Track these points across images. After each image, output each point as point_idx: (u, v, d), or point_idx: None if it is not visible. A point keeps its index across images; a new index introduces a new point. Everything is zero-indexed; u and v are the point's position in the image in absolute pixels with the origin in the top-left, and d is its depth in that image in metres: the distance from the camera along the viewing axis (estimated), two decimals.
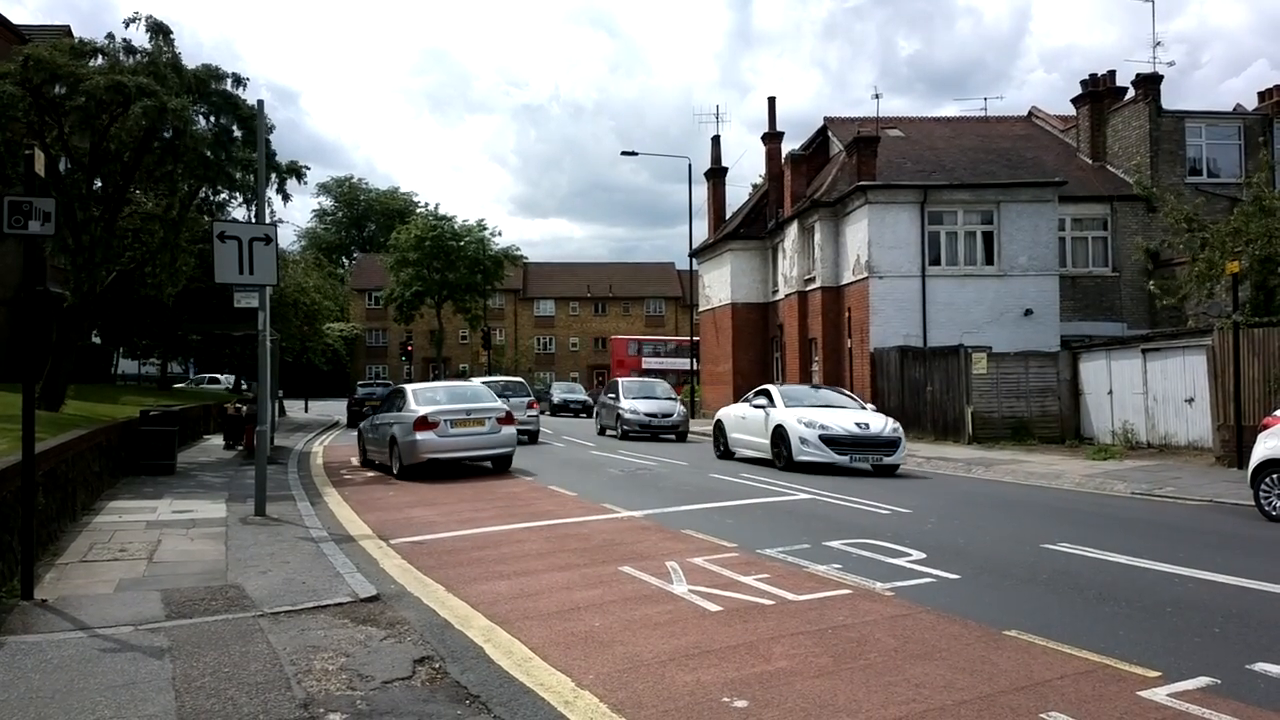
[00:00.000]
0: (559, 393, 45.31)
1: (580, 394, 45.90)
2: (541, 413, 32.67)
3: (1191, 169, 28.34)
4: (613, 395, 27.51)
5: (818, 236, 28.48)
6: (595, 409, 31.91)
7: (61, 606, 6.92)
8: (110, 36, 17.40)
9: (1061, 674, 5.30)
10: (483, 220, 60.08)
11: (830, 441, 16.56)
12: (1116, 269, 27.88)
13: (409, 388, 17.97)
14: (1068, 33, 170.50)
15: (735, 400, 33.74)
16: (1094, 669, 5.38)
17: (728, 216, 38.41)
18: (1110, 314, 27.71)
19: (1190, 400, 18.34)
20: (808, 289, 29.60)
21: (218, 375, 49.09)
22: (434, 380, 35.95)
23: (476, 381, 24.02)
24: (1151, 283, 23.07)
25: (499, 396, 23.01)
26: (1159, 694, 4.95)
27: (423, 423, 15.99)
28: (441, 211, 62.45)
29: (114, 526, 10.59)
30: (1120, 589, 7.43)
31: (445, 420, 16.22)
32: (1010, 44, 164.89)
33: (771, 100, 36.01)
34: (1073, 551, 8.99)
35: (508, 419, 17.15)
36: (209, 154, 17.47)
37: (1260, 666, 5.40)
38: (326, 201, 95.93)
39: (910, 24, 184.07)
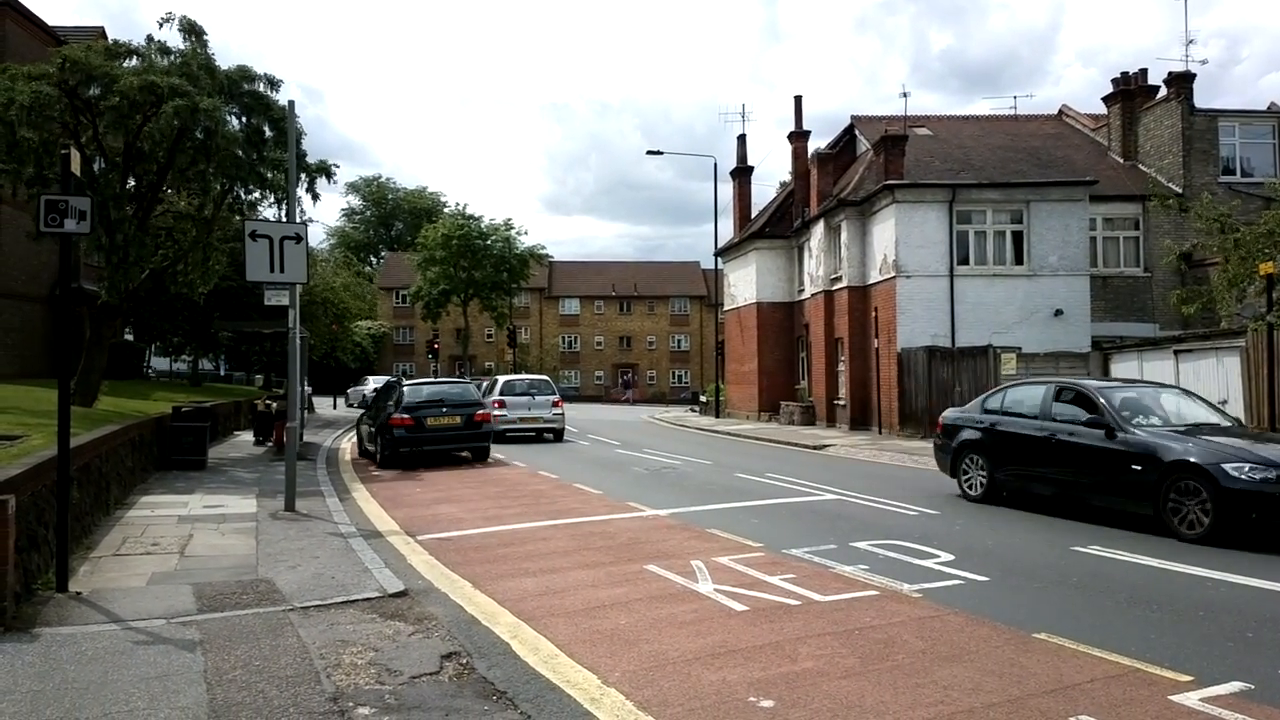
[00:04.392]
0: None
1: None
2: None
3: (1225, 168, 27.90)
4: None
5: (844, 235, 28.32)
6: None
7: (95, 599, 7.03)
8: (149, 39, 17.67)
9: (1092, 677, 5.25)
10: (509, 219, 60.32)
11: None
12: (1148, 269, 27.52)
13: None
14: (1103, 27, 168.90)
15: (760, 398, 33.81)
16: (1125, 673, 5.33)
17: (753, 215, 38.29)
18: (1142, 315, 27.35)
19: (1224, 402, 18.06)
20: (834, 288, 29.45)
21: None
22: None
23: (500, 379, 26.72)
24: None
25: (525, 394, 23.79)
26: (1191, 698, 4.90)
27: None
28: (469, 210, 62.68)
29: (146, 521, 10.75)
30: (1151, 592, 7.34)
31: None
32: (1045, 38, 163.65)
33: (798, 99, 35.96)
34: (1103, 554, 8.90)
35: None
36: (240, 154, 17.65)
37: None
38: (355, 200, 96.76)
39: (942, 18, 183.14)
